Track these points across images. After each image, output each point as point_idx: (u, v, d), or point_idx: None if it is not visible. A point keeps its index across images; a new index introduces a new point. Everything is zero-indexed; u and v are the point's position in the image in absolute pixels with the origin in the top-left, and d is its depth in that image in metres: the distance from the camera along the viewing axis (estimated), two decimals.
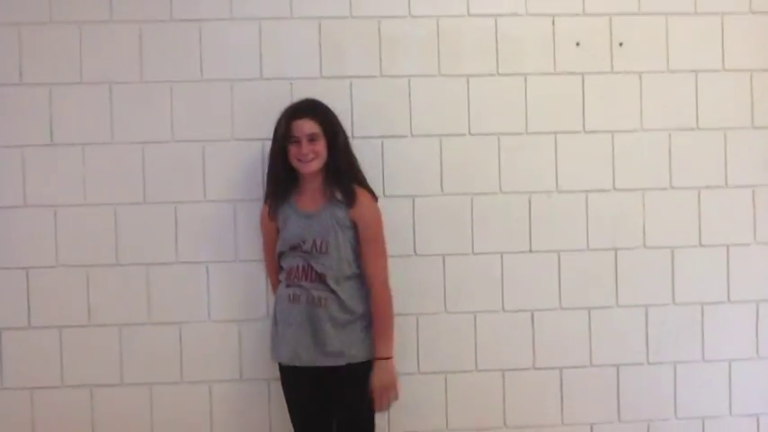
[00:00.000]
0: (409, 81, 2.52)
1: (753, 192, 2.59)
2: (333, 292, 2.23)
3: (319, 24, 2.51)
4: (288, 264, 2.28)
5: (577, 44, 2.56)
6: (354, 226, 2.27)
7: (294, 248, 2.26)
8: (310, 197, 2.28)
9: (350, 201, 2.25)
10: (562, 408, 2.56)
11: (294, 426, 2.32)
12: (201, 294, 2.49)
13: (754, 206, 2.59)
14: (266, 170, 2.36)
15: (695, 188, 2.58)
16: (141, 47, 2.47)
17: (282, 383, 2.35)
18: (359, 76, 2.51)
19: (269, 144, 2.35)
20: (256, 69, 2.50)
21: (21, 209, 2.46)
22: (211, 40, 2.49)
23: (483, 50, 2.53)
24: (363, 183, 2.33)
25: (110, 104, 2.47)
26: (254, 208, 2.45)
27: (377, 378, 2.25)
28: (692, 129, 2.58)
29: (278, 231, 2.32)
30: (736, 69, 2.59)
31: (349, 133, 2.42)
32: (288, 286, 2.27)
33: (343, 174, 2.28)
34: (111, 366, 2.48)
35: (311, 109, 2.26)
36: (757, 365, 2.60)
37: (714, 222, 2.58)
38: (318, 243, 2.24)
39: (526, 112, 2.54)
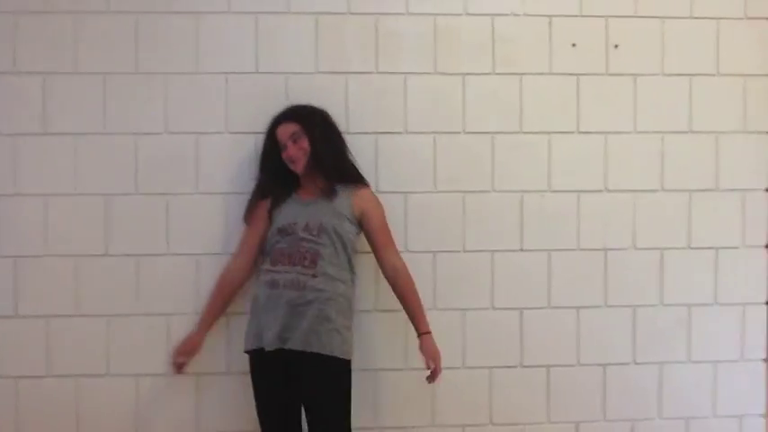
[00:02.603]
0: (405, 78, 2.53)
1: (743, 196, 2.62)
2: (315, 276, 2.21)
3: (317, 20, 2.50)
4: (272, 247, 2.28)
5: (573, 45, 2.57)
6: (356, 220, 2.31)
7: (282, 232, 2.27)
8: (312, 191, 2.33)
9: (351, 192, 2.31)
10: (548, 406, 2.58)
11: (261, 419, 2.29)
12: (190, 287, 2.48)
13: (743, 210, 2.62)
14: (258, 169, 2.39)
15: (686, 191, 2.60)
16: (137, 38, 2.46)
17: (253, 373, 2.31)
18: (355, 72, 2.51)
19: (263, 138, 2.39)
20: (252, 63, 2.49)
21: (11, 197, 2.45)
22: (208, 33, 2.48)
23: (479, 49, 2.54)
24: (354, 171, 2.38)
25: (104, 95, 2.46)
26: (246, 201, 2.44)
27: (430, 351, 2.26)
28: (685, 132, 2.60)
29: (267, 228, 2.34)
30: (730, 74, 2.61)
31: (344, 128, 2.45)
32: (268, 272, 2.27)
33: (332, 163, 2.31)
34: (98, 357, 2.47)
35: (289, 113, 2.33)
36: (742, 367, 2.63)
37: (704, 225, 2.61)
38: (311, 225, 2.25)
39: (521, 112, 2.55)
